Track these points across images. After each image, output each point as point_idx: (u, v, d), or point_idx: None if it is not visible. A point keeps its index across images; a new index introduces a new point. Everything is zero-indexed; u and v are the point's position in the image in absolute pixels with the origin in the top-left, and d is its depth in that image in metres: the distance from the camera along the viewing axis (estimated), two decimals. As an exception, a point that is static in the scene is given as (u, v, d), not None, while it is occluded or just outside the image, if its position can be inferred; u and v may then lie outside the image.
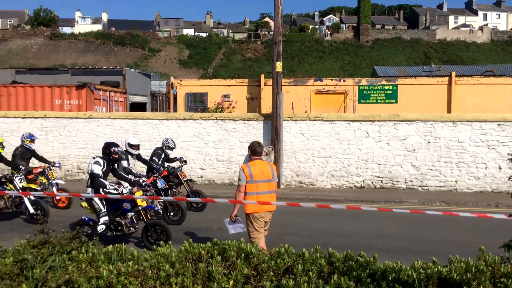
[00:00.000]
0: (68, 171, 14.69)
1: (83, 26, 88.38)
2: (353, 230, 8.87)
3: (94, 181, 7.27)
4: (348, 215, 9.62)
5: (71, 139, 14.74)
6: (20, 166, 9.69)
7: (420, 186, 13.08)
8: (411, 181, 13.13)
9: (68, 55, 73.90)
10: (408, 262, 3.69)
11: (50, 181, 10.34)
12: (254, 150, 6.37)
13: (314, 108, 17.65)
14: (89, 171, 7.39)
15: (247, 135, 13.89)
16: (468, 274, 3.29)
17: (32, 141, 10.41)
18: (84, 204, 7.47)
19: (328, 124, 13.44)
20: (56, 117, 14.90)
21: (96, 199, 7.31)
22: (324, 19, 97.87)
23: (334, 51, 76.63)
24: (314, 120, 13.55)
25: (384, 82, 18.18)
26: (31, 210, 9.05)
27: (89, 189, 7.44)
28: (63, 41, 78.13)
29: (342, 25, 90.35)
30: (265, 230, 6.41)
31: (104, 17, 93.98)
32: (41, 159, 10.72)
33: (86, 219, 7.64)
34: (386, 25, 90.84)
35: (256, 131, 13.88)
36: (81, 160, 14.71)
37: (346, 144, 13.36)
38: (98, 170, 7.30)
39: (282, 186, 13.49)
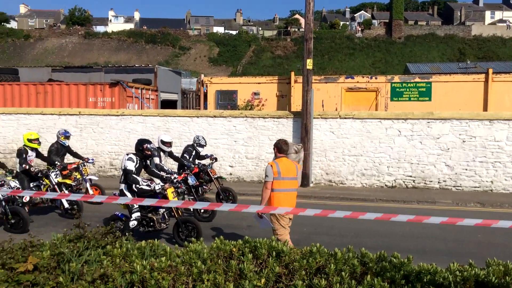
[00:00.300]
0: (101, 167, 15.02)
1: (116, 25, 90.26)
2: (384, 231, 8.72)
3: (127, 177, 7.40)
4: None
5: (104, 136, 15.06)
6: (56, 162, 9.97)
7: (454, 186, 12.75)
8: (444, 181, 12.80)
9: (102, 54, 75.59)
10: (443, 264, 3.60)
11: (84, 177, 10.60)
12: (281, 148, 6.42)
13: (345, 105, 17.46)
14: (123, 167, 7.53)
15: (276, 132, 13.86)
16: (507, 277, 3.18)
17: (67, 137, 10.68)
18: None
19: (359, 122, 13.26)
20: (90, 114, 15.25)
21: (129, 195, 7.46)
22: (355, 15, 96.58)
23: (365, 48, 75.47)
24: (345, 118, 13.39)
25: (417, 79, 17.79)
26: (66, 205, 9.30)
27: (122, 185, 7.58)
28: (97, 39, 79.93)
29: (373, 21, 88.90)
30: (289, 226, 6.46)
31: (136, 16, 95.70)
32: (75, 155, 10.99)
33: (119, 214, 7.79)
34: (420, 21, 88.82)
35: (285, 128, 13.83)
36: (113, 157, 15.01)
37: (378, 143, 13.15)
38: (131, 166, 7.43)
39: (311, 185, 13.40)
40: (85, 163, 10.80)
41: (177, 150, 14.10)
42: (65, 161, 10.81)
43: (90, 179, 10.80)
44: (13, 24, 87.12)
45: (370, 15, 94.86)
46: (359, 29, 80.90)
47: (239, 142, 14.16)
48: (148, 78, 20.43)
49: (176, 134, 14.34)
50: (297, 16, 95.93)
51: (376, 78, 18.05)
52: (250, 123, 14.06)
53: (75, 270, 3.16)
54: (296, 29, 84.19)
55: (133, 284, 3.07)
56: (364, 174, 13.32)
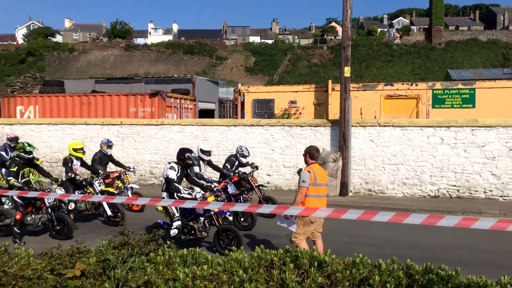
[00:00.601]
0: (141, 175, 15.34)
1: (155, 37, 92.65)
2: (427, 242, 8.45)
3: (169, 186, 7.53)
4: (422, 225, 9.19)
5: (144, 145, 15.39)
6: (99, 171, 10.28)
7: (501, 196, 12.23)
8: (490, 190, 12.31)
9: (141, 65, 77.62)
10: (491, 277, 3.44)
11: (126, 185, 10.87)
12: (313, 155, 6.58)
13: (384, 113, 17.14)
14: (165, 176, 7.67)
15: (314, 141, 13.75)
16: None
17: (109, 147, 11.00)
18: (160, 207, 7.75)
19: (399, 130, 12.98)
20: (131, 124, 15.64)
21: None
22: (393, 22, 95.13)
23: (404, 55, 74.05)
24: (384, 126, 13.14)
25: (460, 86, 17.27)
26: (109, 212, 9.56)
27: (164, 193, 7.71)
28: (137, 51, 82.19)
29: (412, 27, 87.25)
30: (319, 232, 6.65)
31: (175, 27, 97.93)
32: (117, 164, 11.29)
33: (161, 222, 7.91)
34: (461, 26, 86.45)
35: (323, 137, 13.72)
36: (153, 165, 15.31)
37: (419, 151, 12.81)
38: (173, 175, 7.56)
39: (350, 194, 13.20)
40: (126, 172, 11.08)
41: (215, 159, 14.25)
42: (108, 169, 11.12)
43: (132, 187, 11.05)
44: (58, 38, 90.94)
45: (408, 21, 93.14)
46: (398, 35, 79.54)
47: (276, 151, 14.14)
48: (186, 88, 20.79)
49: (214, 143, 14.48)
50: (333, 24, 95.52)
51: (416, 85, 17.64)
52: (287, 132, 14.03)
53: (120, 277, 3.23)
54: (333, 37, 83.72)
55: (176, 292, 3.10)
56: (405, 183, 13.00)
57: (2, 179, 11.81)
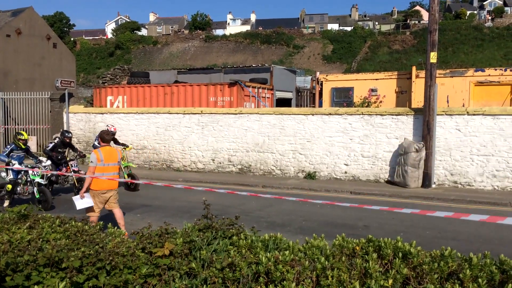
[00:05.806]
0: (220, 163, 15.76)
1: (234, 27, 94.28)
2: (521, 238, 7.85)
3: None
4: (515, 221, 8.55)
5: (223, 134, 15.76)
6: None
7: None
8: None
9: (220, 55, 79.47)
10: None
11: None
12: (103, 138, 7.70)
13: (474, 101, 16.04)
14: None
15: (395, 130, 13.28)
16: None
17: None
18: None
19: (490, 119, 12.11)
20: (210, 113, 16.08)
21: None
22: (484, 3, 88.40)
23: (496, 38, 68.64)
24: (473, 114, 12.33)
25: (562, 70, 15.67)
26: None
27: None
28: (216, 42, 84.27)
29: (506, 8, 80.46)
30: (114, 203, 7.61)
31: (253, 17, 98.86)
32: None
33: None
34: None
35: (405, 126, 13.18)
36: (231, 153, 15.66)
37: (512, 142, 11.88)
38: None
39: (433, 186, 12.60)
40: None
41: (292, 148, 14.31)
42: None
43: None
44: (143, 32, 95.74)
45: (502, 2, 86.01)
46: (489, 18, 73.85)
47: (354, 140, 13.84)
48: (264, 77, 20.91)
49: (291, 132, 14.49)
50: (417, 7, 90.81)
51: (511, 70, 16.29)
52: (366, 121, 13.66)
53: (205, 258, 3.36)
54: (417, 22, 79.70)
55: (259, 275, 3.16)
56: (496, 176, 12.13)
57: None
